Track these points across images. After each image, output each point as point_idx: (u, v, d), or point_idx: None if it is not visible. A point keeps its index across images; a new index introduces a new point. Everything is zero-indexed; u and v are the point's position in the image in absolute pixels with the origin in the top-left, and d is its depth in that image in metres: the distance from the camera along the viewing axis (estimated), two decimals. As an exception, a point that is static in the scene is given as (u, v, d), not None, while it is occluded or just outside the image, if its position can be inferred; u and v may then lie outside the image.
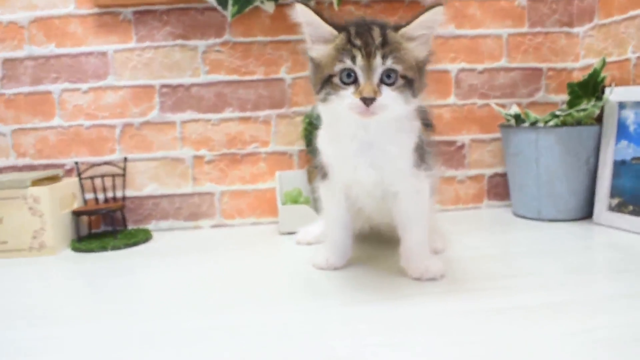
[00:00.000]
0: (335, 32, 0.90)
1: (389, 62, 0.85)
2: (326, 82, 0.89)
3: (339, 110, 0.89)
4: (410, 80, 0.87)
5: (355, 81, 0.87)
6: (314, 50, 0.92)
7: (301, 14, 0.89)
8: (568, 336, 0.74)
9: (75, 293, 1.04)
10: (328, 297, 0.94)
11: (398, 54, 0.86)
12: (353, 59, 0.86)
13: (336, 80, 0.88)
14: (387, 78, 0.86)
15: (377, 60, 0.85)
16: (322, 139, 1.02)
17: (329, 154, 1.01)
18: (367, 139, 0.93)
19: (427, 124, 1.03)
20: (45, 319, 0.90)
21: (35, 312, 0.93)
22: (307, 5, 0.89)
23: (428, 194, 1.02)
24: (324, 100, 0.90)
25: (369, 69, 0.85)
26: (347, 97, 0.86)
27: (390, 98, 0.86)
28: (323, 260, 1.09)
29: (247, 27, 1.49)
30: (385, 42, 0.86)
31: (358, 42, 0.86)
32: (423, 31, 0.88)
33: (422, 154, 0.99)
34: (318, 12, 0.90)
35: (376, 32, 0.87)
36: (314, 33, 0.91)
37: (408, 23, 0.88)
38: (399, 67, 0.86)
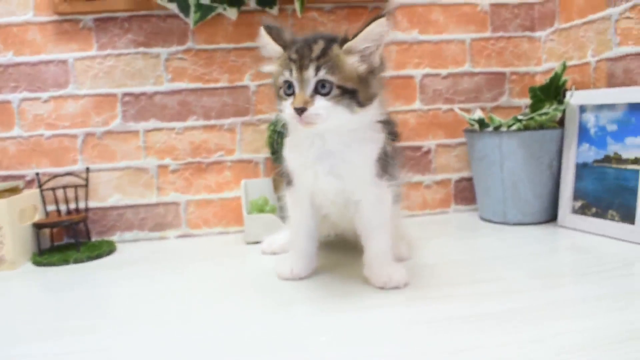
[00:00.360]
0: (281, 49, 0.96)
1: (322, 74, 0.89)
2: (278, 94, 0.96)
3: (286, 119, 0.95)
4: (350, 90, 0.90)
5: (294, 92, 0.91)
6: (269, 66, 1.00)
7: (260, 38, 0.98)
8: (534, 342, 0.74)
9: (36, 309, 1.01)
10: (293, 308, 0.93)
11: (333, 66, 0.89)
12: (290, 72, 0.91)
13: (281, 92, 0.94)
14: (322, 88, 0.89)
15: (310, 72, 0.89)
16: (287, 146, 1.04)
17: (292, 161, 1.03)
18: (326, 148, 0.96)
19: (393, 136, 1.03)
20: (4, 337, 0.87)
21: (-9, 330, 0.91)
22: (268, 26, 0.97)
23: (390, 202, 1.03)
24: (280, 111, 0.96)
25: (302, 80, 0.90)
26: (287, 108, 0.92)
27: (323, 108, 0.89)
28: (287, 270, 1.08)
29: (210, 34, 1.47)
30: (321, 55, 0.89)
31: (295, 56, 0.91)
32: (367, 44, 0.90)
33: (386, 164, 1.00)
34: (276, 32, 0.97)
35: (317, 46, 0.91)
36: (268, 52, 0.99)
37: (354, 36, 0.90)
38: (333, 78, 0.89)
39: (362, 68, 0.91)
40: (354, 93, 0.90)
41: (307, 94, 0.89)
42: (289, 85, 0.92)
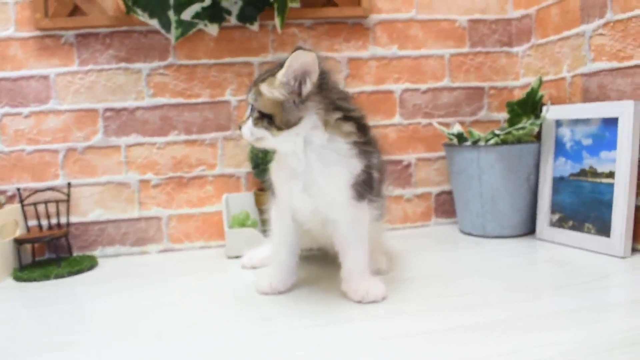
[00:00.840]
0: None
1: (251, 99, 0.99)
2: None
3: None
4: (268, 115, 0.96)
5: None
6: None
7: None
8: (512, 354, 0.75)
9: (17, 325, 1.01)
10: (272, 323, 0.94)
11: (257, 93, 0.98)
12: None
13: None
14: (251, 112, 1.00)
15: (249, 96, 1.00)
16: (274, 159, 1.09)
17: (273, 174, 1.08)
18: (299, 166, 0.99)
19: (367, 159, 1.03)
20: (-23, 356, 0.87)
21: (-32, 349, 0.90)
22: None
23: (368, 221, 1.05)
24: None
25: (247, 102, 1.01)
26: None
27: (247, 128, 0.99)
28: (267, 284, 1.09)
29: (191, 49, 1.48)
30: (256, 83, 0.99)
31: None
32: (287, 78, 0.95)
33: (366, 188, 1.02)
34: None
35: (264, 74, 1.00)
36: None
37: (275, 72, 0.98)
38: (256, 104, 0.98)
39: (279, 96, 0.96)
40: (272, 117, 0.96)
41: (246, 115, 1.01)
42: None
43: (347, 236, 1.03)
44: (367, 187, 1.02)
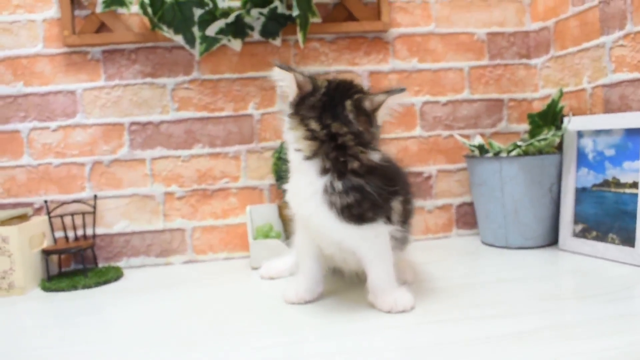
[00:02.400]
0: None
1: None
2: None
3: None
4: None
5: None
6: None
7: None
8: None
9: (46, 334, 1.03)
10: (300, 332, 0.94)
11: None
12: None
13: None
14: None
15: None
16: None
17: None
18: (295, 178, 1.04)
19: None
20: (13, 364, 0.89)
21: (4, 355, 0.92)
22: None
23: (382, 236, 1.02)
24: None
25: None
26: None
27: None
28: (293, 294, 1.10)
29: (214, 64, 1.51)
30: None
31: None
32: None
33: (350, 214, 0.98)
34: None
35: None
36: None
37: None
38: None
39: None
40: None
41: None
42: None
43: (360, 251, 1.02)
44: (359, 214, 0.98)
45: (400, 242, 1.11)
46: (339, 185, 0.97)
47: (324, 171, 0.98)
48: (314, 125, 0.99)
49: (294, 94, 1.01)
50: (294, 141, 1.00)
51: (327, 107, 0.99)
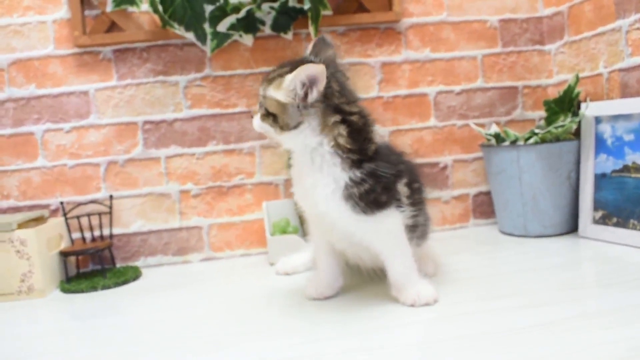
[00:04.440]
0: None
1: (260, 94, 1.01)
2: None
3: None
4: (272, 114, 0.98)
5: None
6: None
7: None
8: (563, 356, 0.75)
9: (67, 336, 1.03)
10: (322, 329, 0.94)
11: (265, 91, 0.99)
12: None
13: None
14: (260, 106, 1.02)
15: (260, 91, 1.02)
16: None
17: (292, 177, 1.09)
18: (297, 167, 1.04)
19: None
20: (39, 367, 0.89)
21: (25, 358, 0.92)
22: (320, 39, 1.07)
23: (398, 228, 1.01)
24: None
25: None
26: None
27: (256, 121, 1.02)
28: (313, 289, 1.09)
29: (226, 60, 1.50)
30: (267, 80, 1.00)
31: None
32: (293, 85, 0.95)
33: (370, 203, 0.97)
34: (315, 48, 1.06)
35: (275, 72, 1.00)
36: None
37: (282, 74, 0.98)
38: (263, 101, 1.00)
39: (283, 99, 0.96)
40: (275, 117, 0.98)
41: (257, 106, 1.03)
42: None
43: (376, 246, 1.02)
44: (378, 200, 0.97)
45: (419, 234, 1.10)
46: (357, 174, 0.96)
47: (351, 164, 0.97)
48: (351, 112, 0.99)
49: (322, 86, 0.95)
50: (325, 139, 0.97)
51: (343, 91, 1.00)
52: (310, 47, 1.05)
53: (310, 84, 0.94)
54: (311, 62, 0.95)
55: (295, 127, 0.97)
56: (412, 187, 1.06)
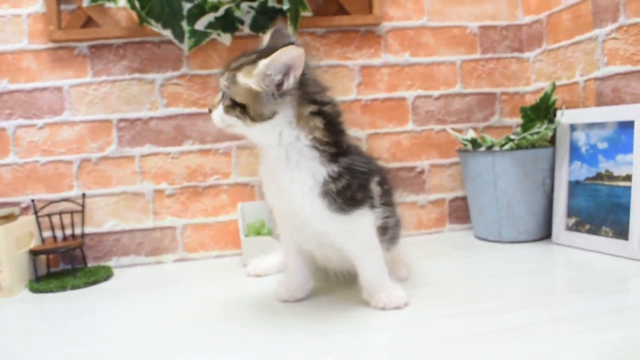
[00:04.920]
0: None
1: (223, 84, 0.95)
2: None
3: None
4: (240, 104, 0.92)
5: None
6: None
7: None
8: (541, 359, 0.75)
9: (34, 336, 1.00)
10: (293, 330, 0.93)
11: (231, 80, 0.93)
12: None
13: None
14: (222, 98, 0.95)
15: (221, 81, 0.96)
16: (260, 157, 1.05)
17: (260, 173, 1.05)
18: (270, 166, 0.98)
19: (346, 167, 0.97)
20: (1, 367, 0.87)
21: (-9, 360, 0.90)
22: (276, 30, 1.03)
23: (371, 229, 1.00)
24: None
25: (219, 88, 0.97)
26: None
27: (217, 114, 0.96)
28: (284, 291, 1.09)
29: (204, 59, 1.49)
30: (233, 68, 0.94)
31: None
32: (271, 70, 0.90)
33: (347, 200, 0.95)
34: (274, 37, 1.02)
35: (241, 59, 0.95)
36: None
37: (255, 60, 0.93)
38: (228, 92, 0.94)
39: (256, 87, 0.91)
40: (245, 107, 0.92)
41: (217, 99, 0.97)
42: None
43: (348, 248, 0.99)
44: (353, 198, 0.96)
45: (389, 237, 1.08)
46: (334, 169, 0.94)
47: (329, 158, 0.94)
48: (324, 102, 0.96)
49: (300, 72, 0.91)
50: (302, 132, 0.93)
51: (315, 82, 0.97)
52: (266, 38, 1.01)
53: (287, 69, 0.90)
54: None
55: (270, 117, 0.92)
56: (383, 188, 1.05)
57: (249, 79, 0.91)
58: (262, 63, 0.90)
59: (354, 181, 0.96)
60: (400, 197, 1.19)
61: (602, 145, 1.31)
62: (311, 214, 0.95)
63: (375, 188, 1.02)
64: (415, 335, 0.87)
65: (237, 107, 0.93)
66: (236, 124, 0.94)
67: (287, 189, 0.95)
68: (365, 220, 0.98)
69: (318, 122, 0.94)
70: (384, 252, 1.03)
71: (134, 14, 1.43)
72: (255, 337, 0.91)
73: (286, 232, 1.08)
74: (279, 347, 0.86)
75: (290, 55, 0.88)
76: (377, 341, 0.86)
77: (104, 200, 1.48)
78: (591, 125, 1.34)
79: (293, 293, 1.08)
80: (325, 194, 0.94)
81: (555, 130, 1.42)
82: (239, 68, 0.93)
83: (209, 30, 1.41)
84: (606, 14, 1.33)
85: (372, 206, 1.00)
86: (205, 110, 1.49)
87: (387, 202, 1.06)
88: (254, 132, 0.95)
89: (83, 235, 1.45)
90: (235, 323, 0.99)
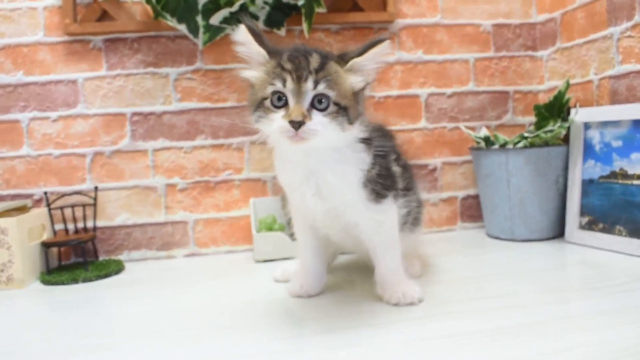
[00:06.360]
0: (267, 55, 0.91)
1: (321, 88, 0.85)
2: (259, 105, 0.89)
3: (270, 133, 0.89)
4: (344, 107, 0.87)
5: (286, 105, 0.87)
6: (249, 72, 0.94)
7: (239, 33, 0.91)
8: (547, 356, 0.75)
9: (45, 328, 1.01)
10: (306, 326, 0.93)
11: (332, 81, 0.86)
12: (284, 82, 0.86)
13: (267, 103, 0.88)
14: (319, 103, 0.86)
15: (309, 84, 0.85)
16: (276, 163, 1.02)
17: (282, 179, 1.01)
18: (309, 167, 0.93)
19: (383, 149, 0.98)
20: (13, 356, 0.87)
21: (3, 349, 0.90)
22: (249, 26, 0.91)
23: (395, 223, 1.01)
24: (257, 122, 0.90)
25: (299, 92, 0.85)
26: (277, 120, 0.86)
27: (320, 124, 0.85)
28: (297, 287, 1.08)
29: (218, 54, 1.49)
30: (320, 69, 0.86)
31: (289, 65, 0.87)
32: (371, 64, 0.89)
33: (381, 188, 0.96)
34: (258, 35, 0.92)
35: (313, 59, 0.88)
36: (248, 53, 0.93)
37: (359, 54, 0.89)
38: (331, 94, 0.86)
39: (358, 86, 0.90)
40: (347, 110, 0.87)
41: (304, 107, 0.85)
42: (280, 96, 0.87)
43: (373, 241, 1.00)
44: (384, 184, 0.96)
45: (412, 218, 1.09)
46: (371, 157, 0.94)
47: (366, 146, 0.94)
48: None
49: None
50: (361, 127, 0.92)
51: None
52: (242, 36, 0.92)
53: (378, 65, 0.89)
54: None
55: (358, 117, 0.90)
56: (399, 164, 1.05)
57: (356, 78, 0.89)
58: (363, 58, 0.88)
59: (382, 166, 0.96)
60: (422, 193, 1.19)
61: (617, 144, 1.30)
62: (353, 205, 0.95)
63: (396, 169, 1.02)
64: (429, 331, 0.86)
65: (340, 111, 0.87)
66: (332, 133, 0.87)
67: (336, 185, 0.93)
68: (392, 213, 1.00)
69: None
70: (407, 234, 1.05)
71: (149, 8, 1.43)
72: (268, 331, 0.91)
73: (305, 228, 1.07)
74: (292, 341, 0.86)
75: (388, 50, 0.88)
76: (390, 336, 0.86)
77: (116, 193, 1.48)
78: (605, 124, 1.34)
79: (307, 290, 1.07)
80: (366, 183, 0.94)
81: (569, 128, 1.41)
82: (333, 69, 0.88)
83: (223, 26, 1.42)
84: (621, 12, 1.32)
85: (397, 193, 1.01)
86: (219, 105, 1.49)
87: (408, 181, 1.07)
88: (343, 137, 0.89)
89: (95, 228, 1.46)
90: (246, 317, 0.99)
